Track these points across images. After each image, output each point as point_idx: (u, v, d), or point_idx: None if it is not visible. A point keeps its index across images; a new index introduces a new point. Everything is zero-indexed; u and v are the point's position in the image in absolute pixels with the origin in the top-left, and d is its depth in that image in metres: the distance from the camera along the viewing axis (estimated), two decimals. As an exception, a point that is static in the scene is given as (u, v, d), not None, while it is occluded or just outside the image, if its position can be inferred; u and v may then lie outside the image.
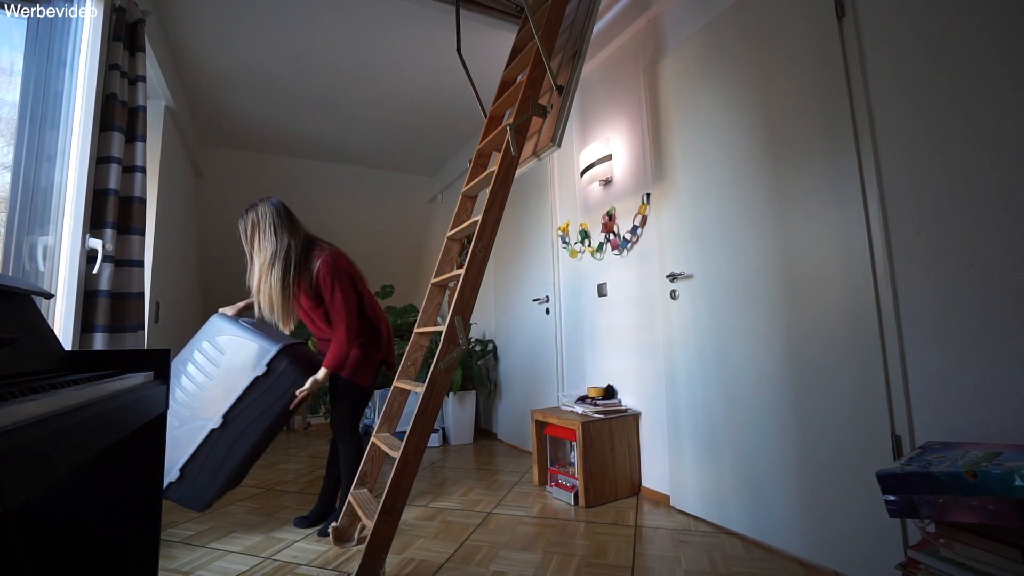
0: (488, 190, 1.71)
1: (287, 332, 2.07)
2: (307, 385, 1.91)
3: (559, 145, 1.82)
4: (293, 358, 1.92)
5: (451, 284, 1.91)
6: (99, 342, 1.75)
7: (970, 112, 1.29)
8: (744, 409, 1.87)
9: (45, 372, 0.99)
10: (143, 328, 1.92)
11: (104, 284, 1.79)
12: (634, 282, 2.50)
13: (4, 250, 1.56)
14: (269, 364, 1.89)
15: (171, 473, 1.85)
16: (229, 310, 2.09)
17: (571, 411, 2.51)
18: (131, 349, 1.79)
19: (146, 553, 1.18)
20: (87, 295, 1.77)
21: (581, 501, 2.25)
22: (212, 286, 4.56)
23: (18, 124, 1.63)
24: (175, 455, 1.86)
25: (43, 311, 1.64)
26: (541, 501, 2.34)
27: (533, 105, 1.86)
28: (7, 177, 1.59)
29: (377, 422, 1.87)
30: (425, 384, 1.53)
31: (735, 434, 1.91)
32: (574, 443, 2.32)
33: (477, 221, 1.68)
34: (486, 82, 3.11)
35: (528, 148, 2.00)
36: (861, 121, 1.53)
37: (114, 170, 1.85)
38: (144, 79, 2.06)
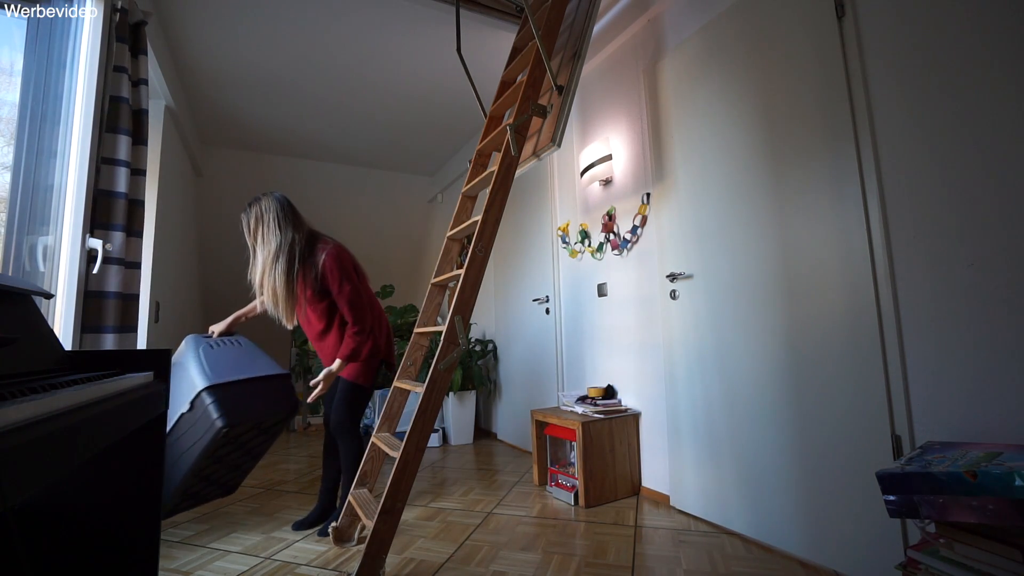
0: (488, 190, 1.71)
1: (290, 327, 2.03)
2: (320, 376, 1.92)
3: (559, 145, 1.82)
4: (218, 399, 1.75)
5: (451, 284, 1.91)
6: (109, 343, 1.76)
7: (970, 112, 1.29)
8: (744, 409, 1.87)
9: (45, 372, 0.99)
10: (135, 331, 1.92)
11: (111, 286, 1.80)
12: (634, 282, 2.50)
13: (4, 250, 1.56)
14: (192, 402, 1.77)
15: None
16: (218, 326, 2.06)
17: (571, 411, 2.51)
18: (131, 349, 1.79)
19: (146, 553, 1.18)
20: (95, 296, 1.77)
21: (581, 501, 2.25)
22: (212, 286, 4.56)
23: (18, 124, 1.63)
24: None
25: (43, 311, 1.64)
26: (541, 501, 2.34)
27: (533, 105, 1.86)
28: (7, 177, 1.59)
29: (377, 422, 1.87)
30: (425, 384, 1.53)
31: (735, 434, 1.91)
32: (574, 443, 2.32)
33: (477, 221, 1.68)
34: (486, 82, 3.11)
35: (528, 148, 2.00)
36: (861, 121, 1.53)
37: (122, 173, 1.86)
38: (146, 82, 2.07)
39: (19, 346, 0.92)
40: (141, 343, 2.49)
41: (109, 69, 1.89)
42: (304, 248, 1.98)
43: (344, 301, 1.95)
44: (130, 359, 1.20)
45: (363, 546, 1.41)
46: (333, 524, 1.78)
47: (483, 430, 4.05)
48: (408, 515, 2.20)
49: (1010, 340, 1.20)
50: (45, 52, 1.73)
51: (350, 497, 1.75)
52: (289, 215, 1.99)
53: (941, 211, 1.34)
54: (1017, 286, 1.19)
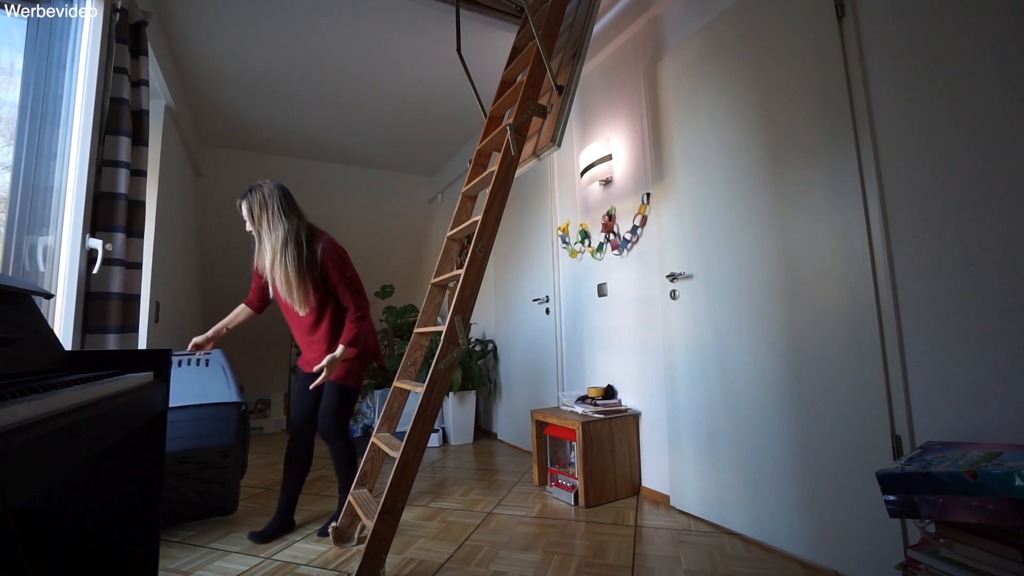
0: (488, 190, 1.71)
1: (303, 313, 1.94)
2: (324, 362, 1.85)
3: (559, 145, 1.82)
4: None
5: (451, 284, 1.91)
6: (111, 343, 1.76)
7: (970, 112, 1.29)
8: (744, 409, 1.87)
9: (45, 372, 0.99)
10: (136, 331, 1.92)
11: (114, 286, 1.80)
12: (634, 282, 2.49)
13: (4, 250, 1.56)
14: None
15: None
16: (199, 339, 1.98)
17: (571, 411, 2.51)
18: (131, 349, 1.79)
19: (146, 553, 1.18)
20: (97, 296, 1.77)
21: (581, 501, 2.25)
22: (212, 286, 4.56)
23: (18, 124, 1.63)
24: None
25: (43, 311, 1.64)
26: (541, 501, 2.34)
27: (533, 105, 1.86)
28: (7, 177, 1.59)
29: (377, 422, 1.87)
30: (425, 384, 1.53)
31: (735, 434, 1.91)
32: (574, 443, 2.32)
33: (477, 221, 1.68)
34: (486, 82, 3.11)
35: (528, 148, 2.00)
36: (861, 121, 1.53)
37: (123, 174, 1.86)
38: (147, 83, 2.07)
39: (19, 346, 0.92)
40: (141, 343, 2.49)
41: (109, 69, 1.89)
42: (307, 236, 1.96)
43: (347, 287, 1.94)
44: (130, 359, 1.20)
45: (363, 546, 1.41)
46: (333, 524, 1.78)
47: (483, 430, 4.05)
48: (408, 515, 2.20)
49: (1010, 340, 1.20)
50: (45, 52, 1.73)
51: (350, 497, 1.75)
52: (292, 203, 1.98)
53: (941, 211, 1.34)
54: (1017, 286, 1.19)
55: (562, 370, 3.06)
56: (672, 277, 2.19)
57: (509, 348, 3.69)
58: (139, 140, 1.99)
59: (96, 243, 1.77)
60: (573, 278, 2.99)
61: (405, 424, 1.88)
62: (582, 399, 2.53)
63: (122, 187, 1.86)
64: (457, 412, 3.68)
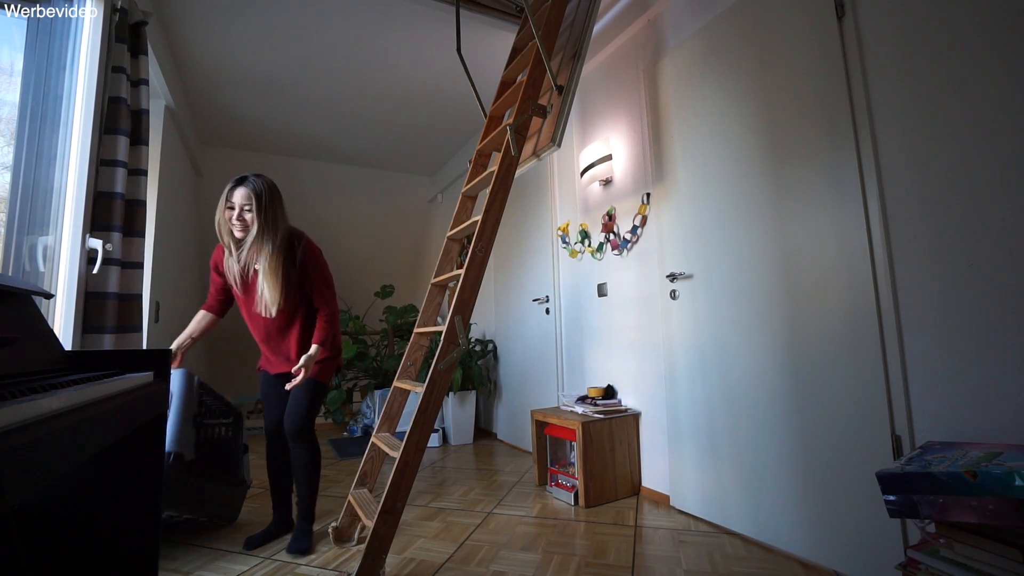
0: (488, 190, 1.71)
1: (274, 314, 1.83)
2: (302, 361, 1.75)
3: (559, 145, 1.82)
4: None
5: (451, 284, 1.91)
6: (108, 343, 1.76)
7: (970, 112, 1.29)
8: (744, 409, 1.87)
9: (45, 372, 0.98)
10: (141, 329, 1.92)
11: (111, 286, 1.80)
12: (634, 282, 2.50)
13: (4, 250, 1.56)
14: None
15: None
16: (175, 343, 1.86)
17: (571, 411, 2.51)
18: (131, 349, 1.79)
19: (146, 553, 1.18)
20: (87, 296, 1.77)
21: (581, 501, 2.25)
22: (212, 286, 4.55)
23: (18, 124, 1.63)
24: None
25: (43, 311, 1.64)
26: (541, 501, 2.34)
27: (533, 105, 1.86)
28: (7, 177, 1.59)
29: (377, 422, 1.86)
30: (425, 384, 1.53)
31: (735, 434, 1.91)
32: (574, 443, 2.32)
33: (477, 221, 1.68)
34: (486, 82, 3.11)
35: (528, 148, 2.00)
36: (861, 121, 1.53)
37: (120, 174, 1.85)
38: (147, 82, 2.07)
39: (19, 346, 0.92)
40: (142, 343, 2.49)
41: (109, 70, 1.89)
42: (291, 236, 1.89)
43: (325, 287, 1.90)
44: (130, 359, 1.20)
45: (363, 546, 1.41)
46: (333, 524, 1.78)
47: (483, 430, 4.05)
48: (408, 515, 2.20)
49: (1010, 340, 1.20)
50: (45, 52, 1.73)
51: (350, 497, 1.75)
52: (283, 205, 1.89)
53: (941, 211, 1.34)
54: (1017, 286, 1.19)
55: (562, 370, 3.06)
56: (672, 277, 2.19)
57: (509, 348, 3.69)
58: (138, 139, 1.99)
59: (96, 243, 1.77)
60: (573, 278, 2.99)
61: (405, 424, 1.87)
62: (582, 399, 2.53)
63: (119, 186, 1.85)
64: (457, 412, 3.68)
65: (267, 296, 1.80)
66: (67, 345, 1.67)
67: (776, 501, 1.74)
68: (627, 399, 2.53)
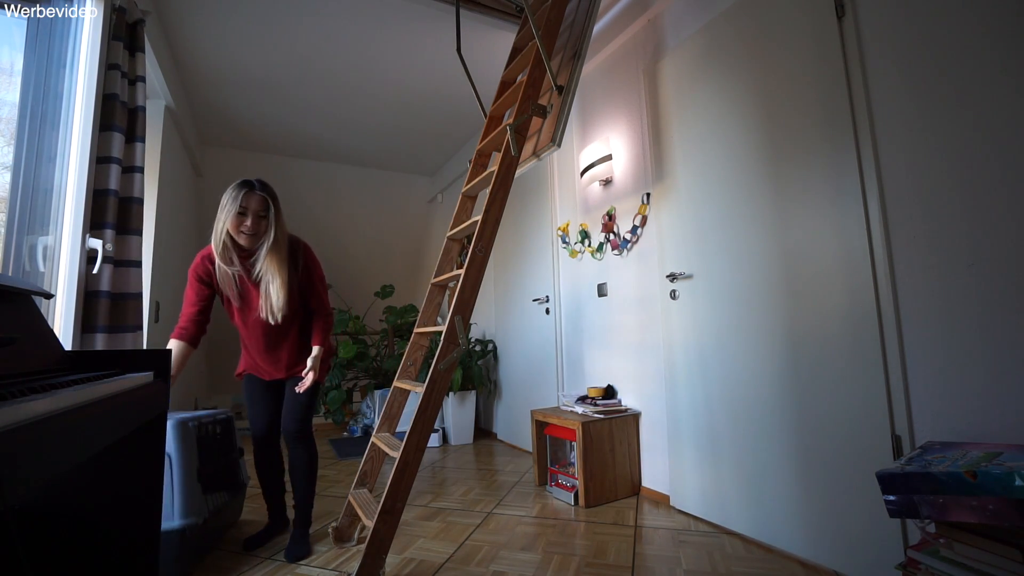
0: (488, 190, 1.71)
1: (280, 318, 1.82)
2: (311, 364, 1.78)
3: (559, 145, 1.82)
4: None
5: (451, 284, 1.91)
6: (99, 342, 1.75)
7: (970, 112, 1.29)
8: (744, 409, 1.87)
9: (45, 372, 0.98)
10: (141, 328, 1.92)
11: (103, 284, 1.79)
12: (634, 282, 2.49)
13: (4, 250, 1.56)
14: None
15: None
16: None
17: (571, 411, 2.51)
18: (131, 349, 1.79)
19: (146, 553, 1.18)
20: (87, 295, 1.77)
21: (581, 501, 2.25)
22: (212, 286, 4.55)
23: (18, 124, 1.63)
24: None
25: (43, 311, 1.64)
26: (541, 501, 2.34)
27: (533, 105, 1.86)
28: (7, 177, 1.59)
29: (377, 422, 1.86)
30: (425, 384, 1.53)
31: (735, 434, 1.91)
32: (574, 443, 2.32)
33: (477, 221, 1.68)
34: (486, 82, 3.11)
35: (528, 148, 2.00)
36: (861, 121, 1.53)
37: (114, 170, 1.85)
38: (144, 79, 2.06)
39: (19, 346, 0.92)
40: (142, 343, 2.48)
41: (107, 68, 1.89)
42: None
43: (322, 288, 1.93)
44: (130, 359, 1.20)
45: (363, 546, 1.41)
46: (333, 524, 1.77)
47: (483, 430, 4.05)
48: (408, 515, 2.20)
49: (1010, 340, 1.20)
50: (45, 52, 1.73)
51: (350, 497, 1.75)
52: None
53: (941, 211, 1.34)
54: (1017, 286, 1.19)
55: (562, 370, 3.06)
56: (672, 277, 2.19)
57: (509, 348, 3.69)
58: (133, 137, 1.98)
59: (96, 243, 1.77)
60: (573, 278, 2.99)
61: (405, 424, 1.87)
62: (582, 399, 2.53)
63: (113, 183, 1.84)
64: (457, 412, 3.68)
65: (277, 302, 1.77)
66: (67, 345, 1.67)
67: (776, 501, 1.74)
68: (627, 399, 2.53)
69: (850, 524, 1.51)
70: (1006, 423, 1.20)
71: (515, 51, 2.30)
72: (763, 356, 1.81)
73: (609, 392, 2.56)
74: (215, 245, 1.75)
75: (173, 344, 1.76)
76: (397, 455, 1.49)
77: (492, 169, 1.81)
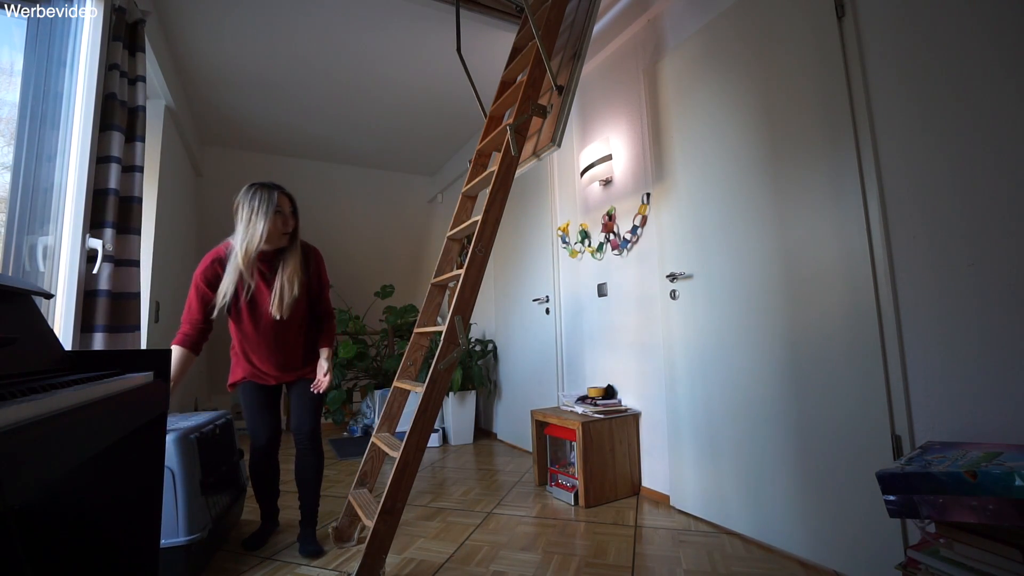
0: (488, 190, 1.71)
1: (287, 315, 1.83)
2: (324, 364, 1.86)
3: (559, 145, 1.82)
4: None
5: (451, 284, 1.91)
6: (98, 342, 1.75)
7: (970, 112, 1.29)
8: (744, 409, 1.87)
9: (45, 372, 0.98)
10: (139, 328, 1.92)
11: (102, 284, 1.79)
12: (634, 282, 2.49)
13: (4, 250, 1.56)
14: None
15: None
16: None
17: (571, 411, 2.51)
18: (131, 349, 1.79)
19: (146, 553, 1.18)
20: (86, 295, 1.77)
21: (581, 501, 2.25)
22: (212, 286, 4.55)
23: (18, 124, 1.63)
24: None
25: (43, 311, 1.64)
26: (541, 501, 2.34)
27: (533, 105, 1.86)
28: (7, 177, 1.59)
29: (377, 422, 1.86)
30: (425, 384, 1.53)
31: (735, 434, 1.91)
32: (574, 443, 2.32)
33: (477, 221, 1.68)
34: (486, 82, 3.11)
35: (528, 148, 2.00)
36: (861, 121, 1.53)
37: (114, 170, 1.85)
38: (144, 79, 2.06)
39: (19, 346, 0.92)
40: (142, 343, 2.48)
41: (107, 68, 1.89)
42: None
43: (328, 290, 1.98)
44: (130, 359, 1.20)
45: (363, 546, 1.41)
46: (333, 524, 1.78)
47: (483, 430, 4.05)
48: (408, 515, 2.20)
49: (1010, 340, 1.20)
50: (45, 52, 1.73)
51: (350, 497, 1.75)
52: None
53: (941, 211, 1.34)
54: (1017, 286, 1.19)
55: (562, 370, 3.06)
56: (672, 277, 2.19)
57: (509, 348, 3.69)
58: (132, 136, 1.98)
59: (96, 243, 1.77)
60: (573, 278, 2.99)
61: (405, 424, 1.87)
62: (582, 399, 2.53)
63: (113, 182, 1.84)
64: (457, 412, 3.68)
65: (288, 299, 1.77)
66: (67, 345, 1.67)
67: (776, 501, 1.74)
68: (627, 399, 2.53)
69: (850, 524, 1.51)
70: (1006, 423, 1.20)
71: (515, 51, 2.30)
72: (763, 356, 1.81)
73: (609, 392, 2.56)
74: (251, 248, 1.71)
75: (175, 351, 1.72)
76: (397, 455, 1.49)
77: (492, 169, 1.81)
